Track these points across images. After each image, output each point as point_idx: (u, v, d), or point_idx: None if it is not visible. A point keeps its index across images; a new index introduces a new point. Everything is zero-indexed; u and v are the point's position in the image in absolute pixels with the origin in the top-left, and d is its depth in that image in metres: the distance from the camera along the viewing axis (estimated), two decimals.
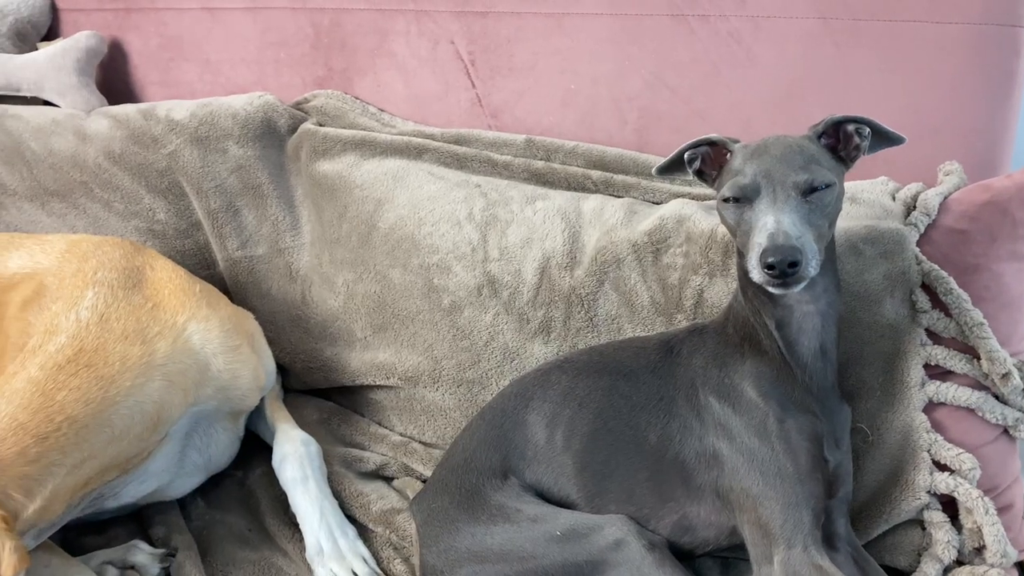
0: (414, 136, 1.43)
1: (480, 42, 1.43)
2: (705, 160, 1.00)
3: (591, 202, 1.30)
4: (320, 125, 1.47)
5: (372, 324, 1.34)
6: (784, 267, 0.84)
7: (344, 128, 1.46)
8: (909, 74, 1.21)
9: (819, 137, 0.96)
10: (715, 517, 1.02)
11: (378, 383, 1.34)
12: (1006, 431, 1.07)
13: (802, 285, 0.87)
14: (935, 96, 1.21)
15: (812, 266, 0.86)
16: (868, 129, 0.95)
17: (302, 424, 1.31)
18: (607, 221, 1.25)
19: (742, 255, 0.93)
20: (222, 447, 1.27)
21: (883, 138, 0.96)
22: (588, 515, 1.04)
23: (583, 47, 1.37)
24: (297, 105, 1.53)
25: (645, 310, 1.20)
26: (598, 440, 1.06)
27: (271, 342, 1.39)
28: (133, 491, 1.17)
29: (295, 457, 1.21)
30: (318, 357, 1.40)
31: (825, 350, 0.98)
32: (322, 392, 1.44)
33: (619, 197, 1.32)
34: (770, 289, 0.89)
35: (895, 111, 1.22)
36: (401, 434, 1.34)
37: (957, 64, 1.19)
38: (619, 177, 1.34)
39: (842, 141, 0.96)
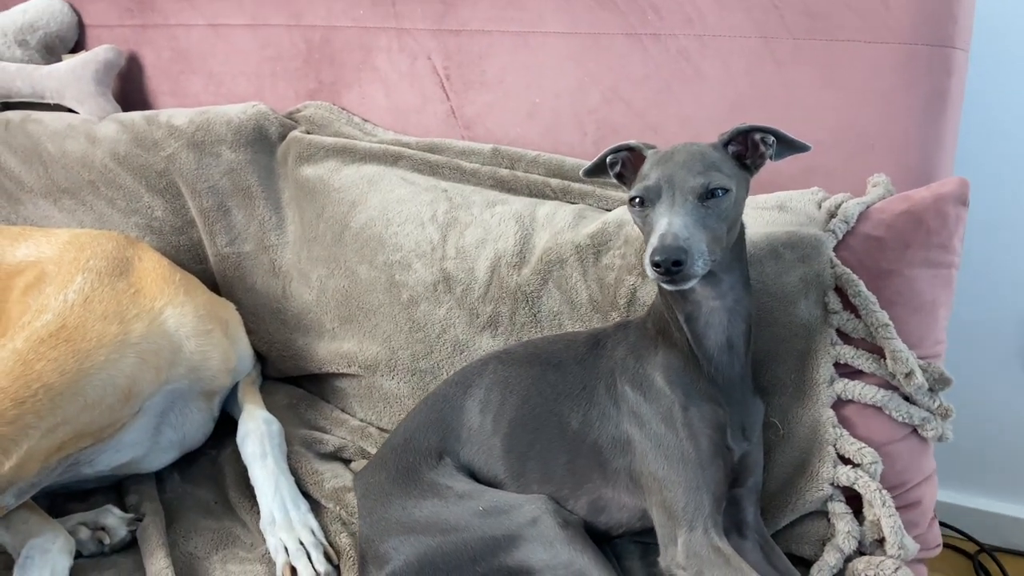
0: (391, 144, 1.53)
1: (454, 58, 1.53)
2: (626, 164, 1.06)
3: (546, 207, 1.38)
4: (308, 133, 1.59)
5: (340, 316, 1.44)
6: (668, 266, 0.90)
7: (329, 136, 1.57)
8: (845, 90, 1.27)
9: (726, 145, 1.01)
10: (628, 499, 1.08)
11: (342, 371, 1.43)
12: (916, 431, 1.11)
13: (691, 282, 0.92)
14: (870, 112, 1.27)
15: (699, 265, 0.91)
16: (773, 138, 1.00)
17: (272, 408, 1.41)
18: (556, 224, 1.33)
19: None
20: (196, 426, 1.37)
21: (789, 146, 1.01)
22: (511, 494, 1.11)
23: (547, 63, 1.46)
24: (289, 115, 1.64)
25: (584, 307, 1.27)
26: (524, 424, 1.13)
27: (253, 332, 1.50)
28: (108, 460, 1.27)
29: (256, 434, 1.31)
30: (291, 346, 1.50)
31: (732, 344, 1.03)
32: (294, 380, 1.54)
33: (575, 204, 1.39)
34: (661, 284, 0.95)
35: (832, 125, 1.29)
36: (360, 420, 1.43)
37: (890, 82, 1.25)
38: (576, 185, 1.42)
39: (749, 149, 1.01)
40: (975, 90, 1.32)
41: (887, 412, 1.09)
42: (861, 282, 1.09)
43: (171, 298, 1.31)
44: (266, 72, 1.70)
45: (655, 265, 0.91)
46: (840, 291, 1.12)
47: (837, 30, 1.26)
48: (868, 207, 1.16)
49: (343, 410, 1.46)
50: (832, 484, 1.08)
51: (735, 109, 1.35)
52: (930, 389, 1.09)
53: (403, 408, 1.38)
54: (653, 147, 1.05)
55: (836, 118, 1.29)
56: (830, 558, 1.06)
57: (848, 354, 1.10)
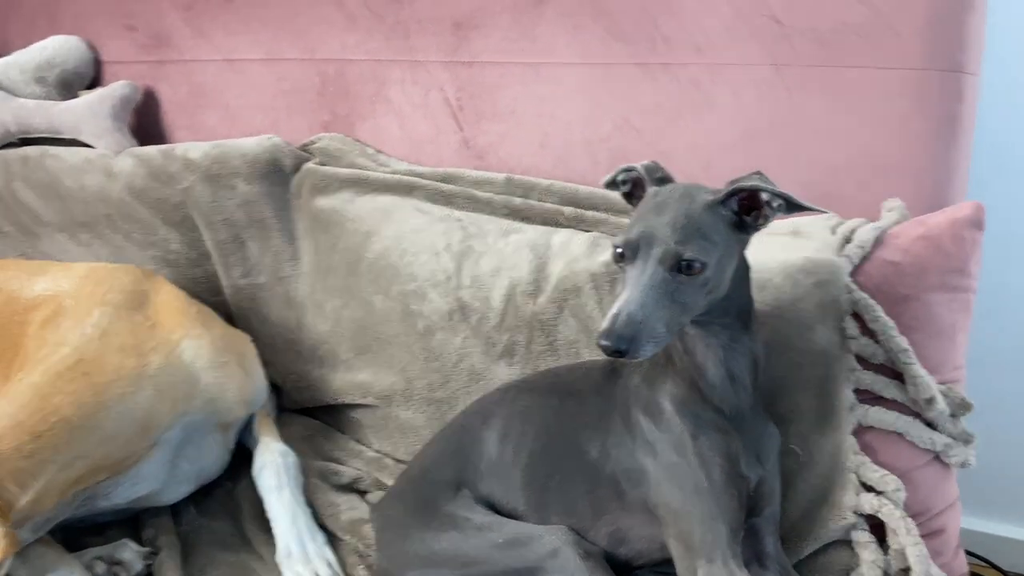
0: (405, 175, 1.54)
1: (467, 90, 1.54)
2: (636, 184, 1.05)
3: (560, 236, 1.38)
4: (322, 165, 1.60)
5: (355, 347, 1.44)
6: (609, 352, 0.89)
7: (344, 167, 1.58)
8: (857, 117, 1.28)
9: (726, 200, 0.95)
10: (647, 530, 1.07)
11: (357, 402, 1.43)
12: (938, 457, 1.10)
13: (637, 360, 0.92)
14: (882, 137, 1.27)
15: (647, 349, 0.89)
16: (782, 201, 0.94)
17: (289, 439, 1.40)
18: (572, 252, 1.33)
19: None
20: (212, 458, 1.37)
21: (799, 208, 0.94)
22: (530, 525, 1.10)
23: (559, 94, 1.47)
24: (304, 147, 1.65)
25: None
26: (544, 455, 1.12)
27: (268, 364, 1.51)
28: (125, 493, 1.27)
29: (272, 466, 1.30)
30: (307, 377, 1.50)
31: (734, 377, 1.01)
32: (310, 411, 1.54)
33: (589, 231, 1.40)
34: None
35: (844, 151, 1.29)
36: (376, 451, 1.42)
37: (902, 107, 1.25)
38: (590, 213, 1.42)
39: (755, 205, 0.95)
40: (984, 114, 1.32)
41: (909, 438, 1.08)
42: (879, 307, 1.09)
43: (188, 330, 1.32)
44: (281, 105, 1.71)
45: (599, 346, 0.90)
46: (858, 317, 1.11)
47: (847, 57, 1.27)
48: (883, 232, 1.16)
49: (359, 441, 1.46)
50: (855, 512, 1.07)
51: (746, 137, 1.35)
52: (951, 415, 1.08)
53: (419, 439, 1.37)
54: (660, 176, 1.03)
55: (848, 144, 1.29)
56: None
57: (868, 380, 1.09)
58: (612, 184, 1.07)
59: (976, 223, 1.13)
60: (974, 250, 1.13)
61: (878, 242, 1.15)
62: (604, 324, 0.91)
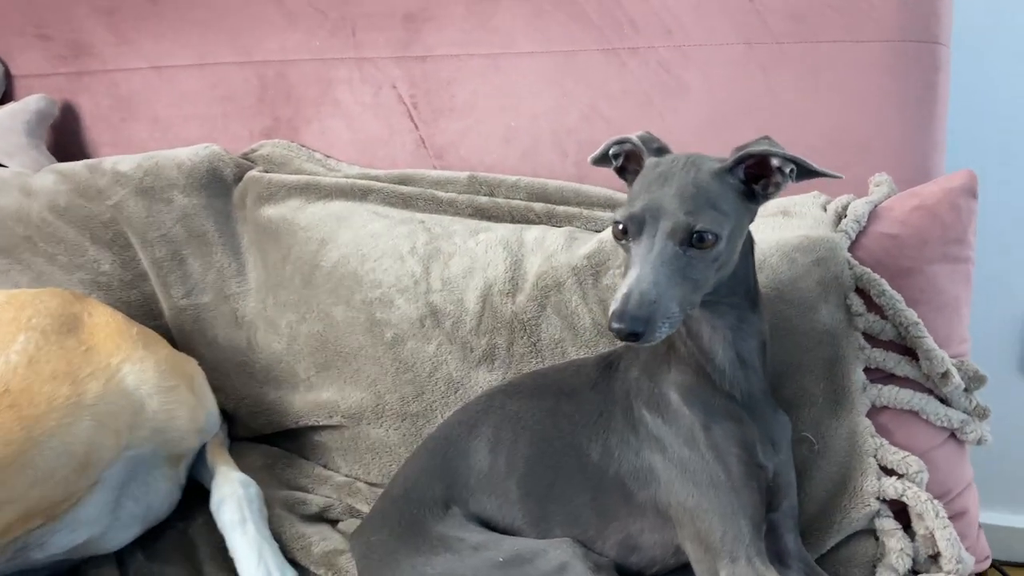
0: (359, 179, 1.44)
1: (421, 85, 1.46)
2: (630, 157, 0.98)
3: (534, 232, 1.30)
4: (266, 173, 1.48)
5: (315, 363, 1.32)
6: (624, 336, 0.82)
7: (291, 174, 1.47)
8: (834, 93, 1.24)
9: (733, 168, 0.89)
10: (659, 535, 0.99)
11: (322, 423, 1.31)
12: (953, 435, 1.05)
13: (652, 343, 0.84)
14: (860, 113, 1.23)
15: (663, 330, 0.83)
16: (793, 167, 0.88)
17: (246, 470, 1.27)
18: (548, 248, 1.25)
19: None
20: (161, 496, 1.23)
21: (813, 174, 0.88)
22: (532, 540, 1.00)
23: (521, 85, 1.40)
24: (245, 155, 1.54)
25: (587, 332, 1.18)
26: (541, 462, 1.03)
27: (217, 389, 1.37)
28: (62, 541, 1.11)
29: (233, 499, 1.17)
30: (263, 401, 1.37)
31: (743, 359, 0.95)
32: (268, 438, 1.40)
33: (561, 227, 1.32)
34: None
35: (823, 129, 1.25)
36: (346, 475, 1.30)
37: (879, 81, 1.22)
38: (561, 208, 1.35)
39: (765, 173, 0.89)
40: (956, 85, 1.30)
41: (924, 416, 1.03)
42: (884, 281, 1.04)
43: (128, 353, 1.18)
44: (217, 113, 1.60)
45: (611, 330, 0.83)
46: (862, 292, 1.06)
47: (821, 31, 1.24)
48: (876, 206, 1.12)
49: (326, 466, 1.33)
50: (878, 498, 1.00)
51: (720, 119, 1.30)
52: (965, 389, 1.03)
53: (394, 458, 1.26)
54: (657, 146, 0.96)
55: (827, 121, 1.25)
56: None
57: (879, 357, 1.04)
58: (601, 160, 1.00)
59: (970, 191, 1.10)
60: (971, 219, 1.10)
61: (873, 216, 1.11)
62: (615, 305, 0.83)
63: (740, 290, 0.94)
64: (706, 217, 0.85)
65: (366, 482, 1.28)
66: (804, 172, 0.88)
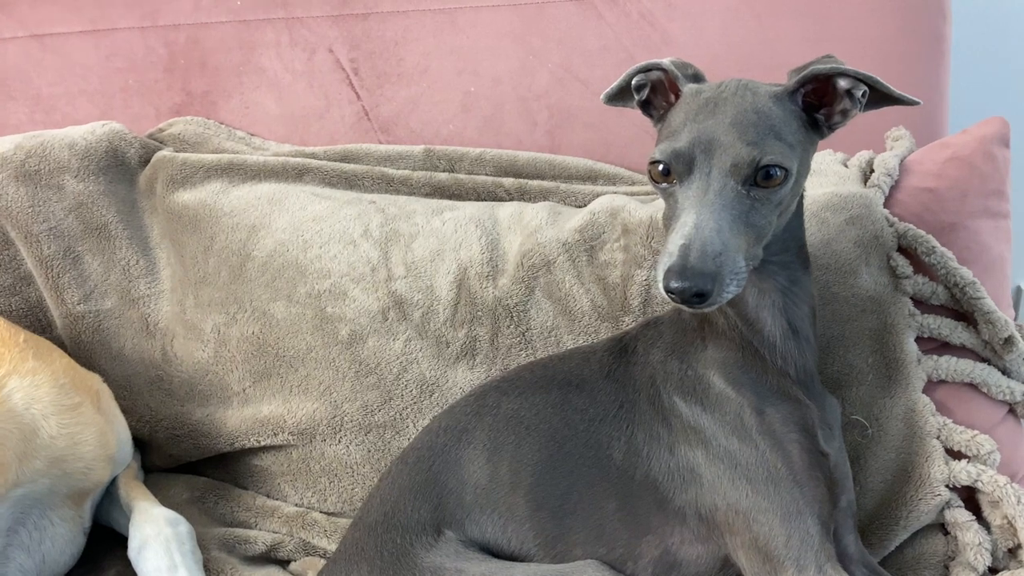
0: (292, 156, 1.23)
1: (363, 48, 1.27)
2: (656, 89, 0.83)
3: (507, 208, 1.13)
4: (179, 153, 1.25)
5: (252, 372, 1.10)
6: (688, 296, 0.67)
7: (209, 154, 1.24)
8: (836, 42, 1.13)
9: (794, 93, 0.76)
10: (703, 547, 0.82)
11: (263, 444, 1.09)
12: (1012, 410, 0.93)
13: (714, 308, 0.70)
14: (866, 63, 1.09)
15: (729, 291, 0.69)
16: (865, 88, 0.75)
17: (168, 506, 1.03)
18: (528, 224, 1.08)
19: None
20: (61, 543, 0.98)
21: (885, 99, 0.76)
22: (550, 566, 0.82)
23: (481, 44, 1.24)
24: (152, 135, 1.31)
25: (586, 317, 1.01)
26: (554, 469, 0.85)
27: (127, 411, 1.13)
28: None
29: (159, 541, 0.93)
30: (185, 422, 1.13)
31: (796, 328, 0.81)
32: (193, 467, 1.16)
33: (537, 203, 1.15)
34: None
35: None
36: (296, 504, 1.08)
37: (885, 29, 1.12)
38: (535, 183, 1.18)
39: (827, 98, 0.76)
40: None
41: (984, 390, 0.90)
42: (932, 238, 0.91)
43: (15, 365, 0.93)
44: (115, 88, 1.36)
45: (669, 292, 0.68)
46: (905, 252, 0.93)
47: None
48: (903, 160, 1.00)
49: (270, 496, 1.10)
50: (948, 486, 0.86)
51: (711, 76, 1.16)
52: None
53: (357, 480, 1.05)
54: (693, 72, 0.81)
55: None
56: None
57: (932, 324, 0.91)
58: (619, 95, 0.83)
59: (1004, 140, 0.99)
60: (1007, 169, 0.99)
61: (902, 170, 0.98)
62: (670, 261, 0.67)
63: (793, 246, 0.80)
64: (773, 149, 0.70)
65: (323, 511, 1.07)
66: (873, 100, 0.75)
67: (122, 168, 1.23)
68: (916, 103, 0.74)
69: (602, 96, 0.85)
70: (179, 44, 1.33)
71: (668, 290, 0.68)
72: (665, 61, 0.80)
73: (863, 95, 0.74)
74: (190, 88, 1.34)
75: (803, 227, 0.82)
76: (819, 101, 0.76)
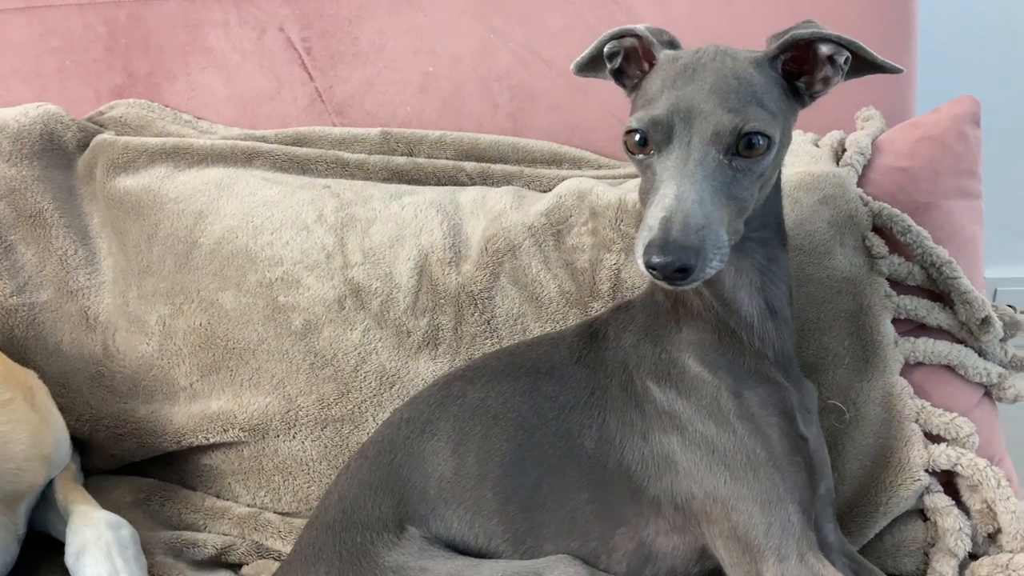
0: (241, 140, 1.17)
1: (316, 26, 1.21)
2: (629, 57, 0.79)
3: (470, 193, 1.09)
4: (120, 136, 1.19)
5: (200, 366, 1.04)
6: (669, 272, 0.64)
7: (152, 138, 1.18)
8: None
9: (775, 59, 0.72)
10: (679, 537, 0.78)
11: (213, 441, 1.02)
12: (987, 393, 0.91)
13: (696, 284, 0.67)
14: None
15: (712, 266, 0.65)
16: (848, 54, 0.72)
17: (111, 509, 0.96)
18: (492, 209, 1.04)
19: None
20: None
21: (867, 66, 0.73)
22: (520, 562, 0.78)
23: (440, 22, 1.19)
24: (91, 119, 1.24)
25: (554, 303, 0.97)
26: (523, 460, 0.80)
27: (64, 410, 1.06)
28: None
29: (99, 546, 0.87)
30: (128, 420, 1.06)
31: (773, 308, 0.78)
32: (137, 467, 1.10)
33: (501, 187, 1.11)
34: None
35: None
36: (249, 504, 1.02)
37: (853, 8, 1.10)
38: (497, 167, 1.14)
39: (808, 66, 0.73)
40: None
41: (961, 372, 0.88)
42: (908, 217, 0.89)
43: None
44: (51, 68, 1.28)
45: (650, 268, 0.64)
46: (880, 232, 0.91)
47: None
48: (875, 139, 0.98)
49: (220, 496, 1.04)
50: (927, 471, 0.84)
51: None
52: (1001, 339, 0.90)
53: (314, 477, 1.00)
54: (668, 39, 0.78)
55: None
56: (943, 567, 0.82)
57: (909, 305, 0.89)
58: (590, 65, 0.80)
59: (975, 119, 0.98)
60: (978, 149, 0.98)
61: (874, 149, 0.96)
62: (650, 235, 0.64)
63: (771, 222, 0.77)
64: (755, 116, 0.67)
65: (277, 511, 1.01)
66: (856, 68, 0.72)
67: (58, 152, 1.16)
68: (899, 70, 0.71)
69: (572, 65, 0.81)
70: (120, 22, 1.26)
71: (649, 266, 0.64)
72: (639, 27, 0.76)
73: (845, 61, 0.71)
74: (132, 69, 1.26)
75: (781, 203, 0.79)
76: (800, 69, 0.72)
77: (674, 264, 0.62)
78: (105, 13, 1.25)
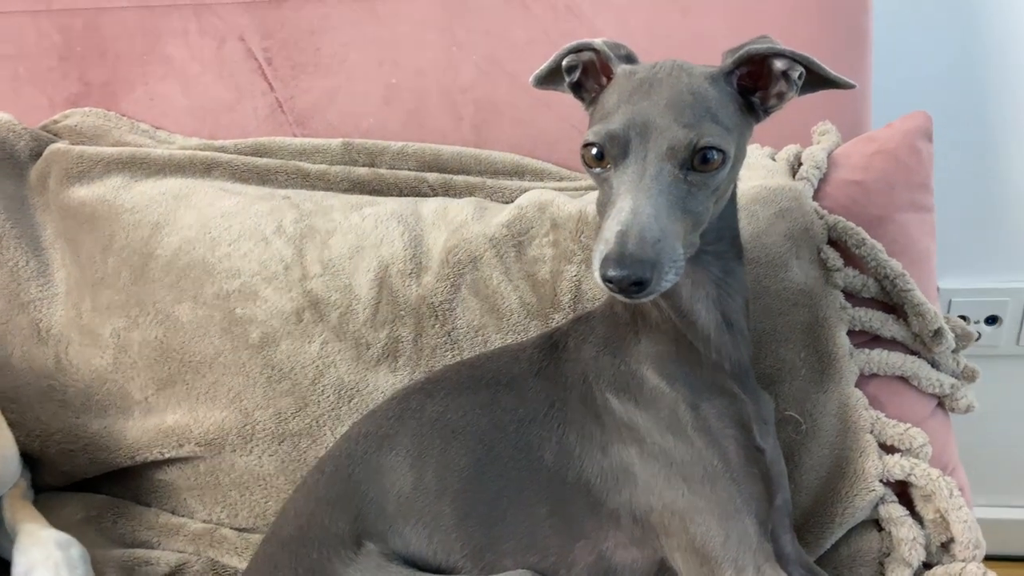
0: (200, 150, 1.16)
1: (277, 36, 1.20)
2: (588, 70, 0.79)
3: (431, 204, 1.08)
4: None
5: (155, 379, 1.02)
6: (625, 286, 0.64)
7: (109, 147, 1.16)
8: None
9: (730, 74, 0.73)
10: (638, 550, 0.78)
11: (168, 456, 1.01)
12: (941, 404, 0.93)
13: (652, 297, 0.67)
14: None
15: (668, 279, 0.66)
16: (802, 69, 0.73)
17: (62, 527, 0.94)
18: (453, 220, 1.03)
19: None
20: None
21: (821, 81, 0.74)
22: None
23: (403, 34, 1.18)
24: (45, 128, 1.21)
25: (515, 314, 0.97)
26: (482, 474, 0.80)
27: (13, 425, 1.04)
28: None
29: (47, 566, 0.85)
30: (81, 435, 1.04)
31: (730, 321, 0.79)
32: (89, 484, 1.07)
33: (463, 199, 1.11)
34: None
35: None
36: (204, 520, 1.01)
37: (811, 25, 1.11)
38: (460, 178, 1.14)
39: (762, 81, 0.74)
40: None
41: (915, 383, 0.90)
42: (862, 230, 0.90)
43: None
44: (3, 76, 1.26)
45: (606, 281, 0.65)
46: (835, 245, 0.92)
47: None
48: (831, 153, 0.99)
49: (175, 512, 1.02)
50: (882, 481, 0.85)
51: None
52: (953, 350, 0.91)
53: (271, 492, 0.98)
54: (625, 53, 0.78)
55: None
56: None
57: (863, 317, 0.90)
58: (548, 77, 0.80)
59: (927, 134, 0.99)
60: (931, 163, 1.00)
61: (830, 163, 0.98)
62: (607, 248, 0.64)
63: (727, 235, 0.77)
64: (710, 131, 0.67)
65: (233, 527, 1.00)
66: (810, 83, 0.73)
67: (10, 161, 1.14)
68: (852, 86, 0.72)
69: (531, 78, 0.82)
70: (76, 30, 1.24)
71: (605, 279, 0.64)
72: (597, 41, 0.76)
73: (799, 76, 0.72)
74: (88, 78, 1.24)
75: (737, 216, 0.79)
76: (754, 84, 0.73)
77: (630, 277, 0.63)
78: (60, 21, 1.23)
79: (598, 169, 0.70)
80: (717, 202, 0.71)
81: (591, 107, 0.78)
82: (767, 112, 0.75)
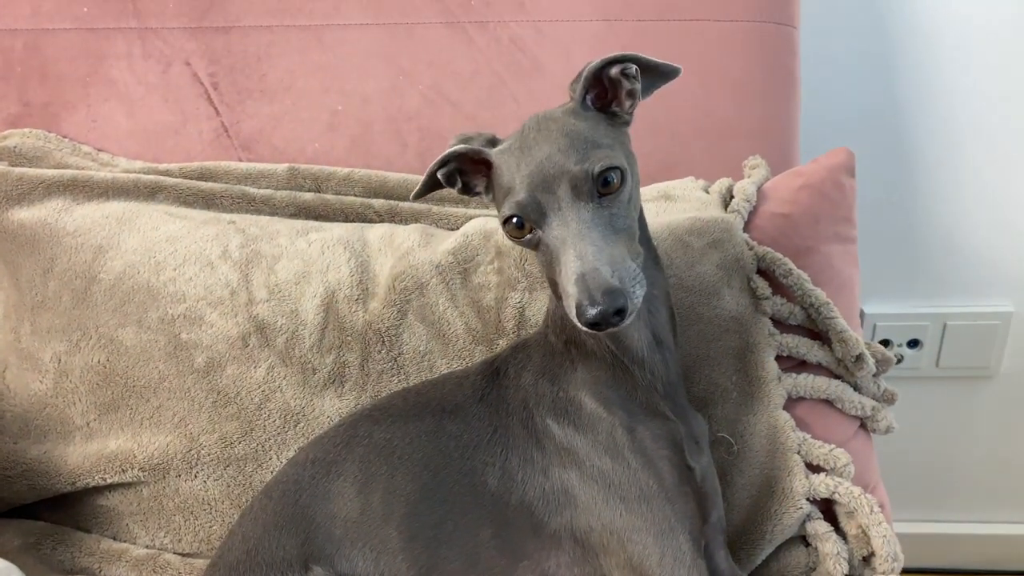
0: (144, 173, 1.16)
1: (223, 62, 1.21)
2: (465, 171, 0.82)
3: (378, 230, 1.10)
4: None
5: (97, 404, 1.01)
6: (609, 318, 0.68)
7: (49, 169, 1.15)
8: (699, 76, 1.17)
9: (583, 102, 0.78)
10: (579, 570, 0.81)
11: (110, 481, 1.00)
12: (863, 425, 0.98)
13: (633, 316, 0.70)
14: (726, 96, 1.17)
15: (638, 294, 0.70)
16: (635, 67, 0.78)
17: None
18: (400, 247, 1.05)
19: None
20: None
21: (655, 73, 0.80)
22: None
23: (349, 62, 1.20)
24: None
25: (460, 340, 1.00)
26: (428, 498, 0.82)
27: None
28: None
29: None
30: (19, 461, 1.03)
31: (659, 338, 0.83)
32: (27, 510, 1.05)
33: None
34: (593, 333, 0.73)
35: (689, 114, 1.17)
36: (147, 546, 1.00)
37: (743, 63, 1.17)
38: (405, 205, 1.16)
39: (611, 92, 0.79)
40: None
41: (838, 406, 0.95)
42: (789, 261, 0.95)
43: None
44: None
45: (592, 325, 0.68)
46: (764, 274, 0.97)
47: (682, 9, 1.17)
48: (760, 187, 1.04)
49: (116, 538, 1.01)
50: (809, 499, 0.90)
51: None
52: (874, 374, 0.97)
53: (216, 517, 0.98)
54: (488, 138, 0.82)
55: (693, 106, 1.17)
56: None
57: (791, 343, 0.95)
58: (433, 185, 0.83)
59: (850, 169, 1.05)
60: (853, 198, 1.05)
61: (759, 196, 1.03)
62: (576, 298, 0.68)
63: (642, 244, 0.81)
64: (597, 156, 0.72)
65: (177, 552, 0.99)
66: (649, 83, 0.79)
67: None
68: (677, 70, 0.79)
69: (412, 196, 0.85)
70: (16, 51, 1.22)
71: (589, 324, 0.67)
72: (458, 148, 0.80)
73: (636, 73, 0.77)
74: (28, 98, 1.23)
75: (644, 220, 0.83)
76: (607, 97, 0.79)
77: (609, 310, 0.66)
78: (0, 41, 1.22)
79: (528, 236, 0.74)
80: (635, 210, 0.76)
81: (488, 195, 0.81)
82: (630, 114, 0.80)
